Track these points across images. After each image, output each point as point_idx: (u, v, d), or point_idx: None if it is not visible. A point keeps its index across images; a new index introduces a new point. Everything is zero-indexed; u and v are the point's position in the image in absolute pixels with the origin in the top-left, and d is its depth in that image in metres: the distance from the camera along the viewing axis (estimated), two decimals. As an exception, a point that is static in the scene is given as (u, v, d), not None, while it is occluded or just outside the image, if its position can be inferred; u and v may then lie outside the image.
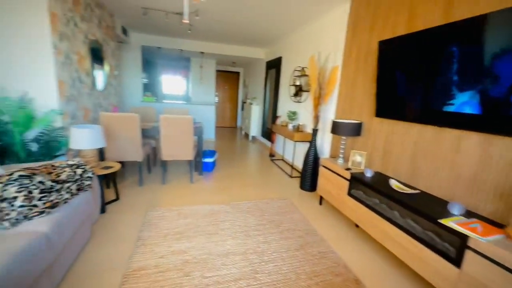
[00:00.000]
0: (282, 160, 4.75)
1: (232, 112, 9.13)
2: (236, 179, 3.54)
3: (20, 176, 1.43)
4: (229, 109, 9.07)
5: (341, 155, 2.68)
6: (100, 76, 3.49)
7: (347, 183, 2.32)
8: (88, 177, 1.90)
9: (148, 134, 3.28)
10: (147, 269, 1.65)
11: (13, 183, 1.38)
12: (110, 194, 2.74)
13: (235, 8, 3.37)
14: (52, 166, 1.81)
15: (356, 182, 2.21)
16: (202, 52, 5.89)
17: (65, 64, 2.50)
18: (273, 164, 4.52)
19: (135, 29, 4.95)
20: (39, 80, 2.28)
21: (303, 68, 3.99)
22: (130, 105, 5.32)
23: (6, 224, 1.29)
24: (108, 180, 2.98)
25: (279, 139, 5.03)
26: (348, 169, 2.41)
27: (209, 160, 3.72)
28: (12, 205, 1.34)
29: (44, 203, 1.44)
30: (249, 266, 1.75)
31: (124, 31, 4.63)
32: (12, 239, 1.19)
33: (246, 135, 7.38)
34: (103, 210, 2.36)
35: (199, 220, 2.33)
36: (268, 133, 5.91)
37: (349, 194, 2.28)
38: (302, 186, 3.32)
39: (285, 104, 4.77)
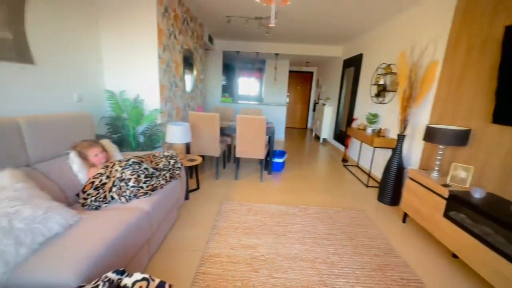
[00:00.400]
0: (357, 166, 4.35)
1: (302, 113, 8.98)
2: (304, 182, 3.46)
3: (133, 162, 1.78)
4: (300, 110, 8.95)
5: (436, 168, 2.24)
6: (189, 80, 4.02)
7: (443, 202, 1.91)
8: (178, 167, 2.20)
9: (225, 132, 3.56)
10: (220, 257, 1.79)
11: (129, 168, 1.73)
12: (192, 184, 3.12)
13: (318, 4, 3.27)
14: (153, 155, 2.19)
15: (458, 202, 1.80)
16: (276, 54, 6.01)
17: (165, 71, 2.98)
18: (346, 170, 4.20)
19: (219, 37, 5.47)
20: (147, 85, 2.79)
21: (389, 65, 3.54)
22: (211, 105, 5.92)
23: (123, 199, 1.63)
24: (191, 171, 3.40)
25: (354, 143, 4.63)
26: (446, 185, 1.99)
27: (278, 160, 3.76)
28: (127, 185, 1.68)
29: (147, 186, 1.75)
30: (317, 275, 1.67)
31: (210, 39, 5.17)
32: (126, 212, 1.49)
33: (317, 137, 7.13)
34: (187, 197, 2.70)
35: (267, 218, 2.38)
36: (341, 136, 5.54)
37: (446, 216, 1.88)
38: (381, 198, 2.95)
39: (364, 105, 4.35)
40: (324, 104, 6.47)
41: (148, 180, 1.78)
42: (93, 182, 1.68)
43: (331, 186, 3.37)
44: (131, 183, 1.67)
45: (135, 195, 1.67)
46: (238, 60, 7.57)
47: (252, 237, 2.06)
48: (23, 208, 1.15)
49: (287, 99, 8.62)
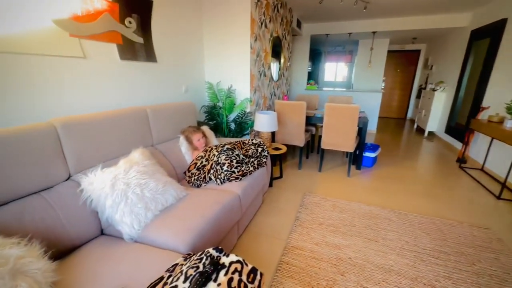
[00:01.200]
0: (481, 170, 3.36)
1: (401, 101, 7.64)
2: (401, 183, 2.94)
3: (227, 148, 1.93)
4: (398, 97, 7.64)
5: None
6: (276, 68, 4.02)
7: None
8: (265, 155, 2.26)
9: (310, 122, 3.41)
10: (303, 250, 1.76)
11: (223, 153, 1.89)
12: (275, 172, 3.19)
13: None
14: (243, 142, 2.32)
15: None
16: (374, 32, 5.22)
17: (256, 61, 3.07)
18: (464, 173, 3.31)
19: (307, 20, 5.20)
20: (239, 75, 2.96)
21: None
22: (295, 93, 5.82)
23: (218, 181, 1.81)
24: (275, 159, 3.46)
25: (479, 140, 3.58)
26: None
27: (370, 154, 3.34)
28: (222, 168, 1.84)
29: (238, 171, 1.88)
30: (420, 298, 1.39)
31: (298, 24, 4.98)
32: (221, 194, 1.64)
33: (420, 130, 5.94)
34: (271, 184, 2.78)
35: (355, 219, 2.16)
36: (457, 130, 4.39)
37: None
38: (523, 217, 2.17)
39: (503, 90, 3.24)
40: (434, 90, 5.25)
41: (239, 166, 1.90)
42: (195, 163, 1.93)
43: (439, 192, 2.74)
44: (225, 167, 1.83)
45: (228, 179, 1.82)
46: (326, 44, 7.05)
47: (338, 236, 1.92)
48: (150, 181, 1.43)
49: (383, 84, 7.49)
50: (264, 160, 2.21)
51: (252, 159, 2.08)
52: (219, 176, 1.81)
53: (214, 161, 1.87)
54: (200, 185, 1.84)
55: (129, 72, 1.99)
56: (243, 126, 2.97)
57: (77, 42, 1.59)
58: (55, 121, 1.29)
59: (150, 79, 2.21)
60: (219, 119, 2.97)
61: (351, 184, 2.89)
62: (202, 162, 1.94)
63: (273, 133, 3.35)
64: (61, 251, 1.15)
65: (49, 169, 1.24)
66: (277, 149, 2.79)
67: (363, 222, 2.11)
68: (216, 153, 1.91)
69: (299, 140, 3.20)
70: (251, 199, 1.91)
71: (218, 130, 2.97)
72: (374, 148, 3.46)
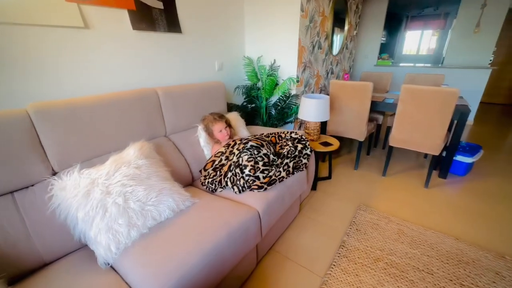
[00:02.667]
0: None
1: (517, 80, 5.56)
2: (519, 208, 1.97)
3: (251, 146, 1.46)
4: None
5: None
6: (337, 38, 3.19)
7: None
8: (306, 154, 1.71)
9: (376, 109, 2.60)
10: (345, 302, 1.23)
11: (246, 152, 1.44)
12: (323, 169, 2.59)
13: None
14: (279, 136, 1.81)
15: None
16: (491, -20, 3.65)
17: (308, 27, 2.39)
18: None
19: (388, -28, 3.98)
20: (284, 47, 2.35)
21: None
22: (360, 71, 4.77)
23: (235, 189, 1.38)
24: (324, 154, 2.84)
25: None
26: None
27: (465, 159, 2.36)
28: (243, 172, 1.40)
29: (264, 177, 1.41)
30: None
31: (374, -21, 3.85)
32: (233, 210, 1.22)
33: (546, 123, 4.19)
34: (314, 187, 2.23)
35: (434, 261, 1.46)
36: None
37: None
38: None
39: None
40: None
41: (266, 169, 1.43)
42: (213, 161, 1.55)
43: None
44: (246, 171, 1.38)
45: (248, 187, 1.38)
46: (411, 5, 5.50)
47: (402, 287, 1.30)
48: (139, 188, 1.11)
49: (491, 58, 5.53)
50: (304, 161, 1.67)
51: (286, 161, 1.57)
52: (238, 183, 1.39)
53: (233, 162, 1.45)
54: (215, 189, 1.45)
55: (145, 46, 1.66)
56: (285, 112, 2.42)
57: (76, 8, 1.31)
58: (30, 107, 1.05)
59: (173, 54, 1.86)
60: (258, 102, 2.49)
61: (429, 200, 2.08)
62: (221, 160, 1.54)
63: (323, 123, 2.69)
64: (24, 270, 0.94)
65: (23, 164, 1.02)
66: (326, 144, 2.17)
67: (447, 269, 1.40)
68: (237, 152, 1.47)
69: (359, 133, 2.47)
70: (278, 216, 1.44)
71: (256, 116, 2.51)
72: (472, 149, 2.45)
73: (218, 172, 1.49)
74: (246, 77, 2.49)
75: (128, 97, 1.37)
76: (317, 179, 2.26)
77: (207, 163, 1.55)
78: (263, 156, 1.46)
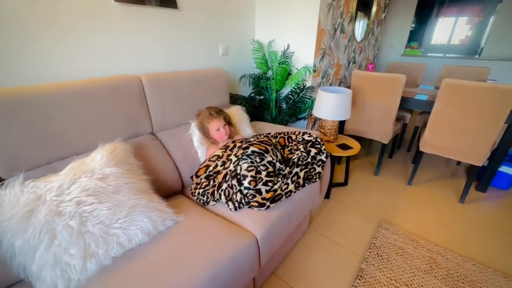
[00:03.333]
0: None
1: None
2: None
3: (253, 151, 1.18)
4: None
5: None
6: (360, 22, 2.77)
7: None
8: (321, 161, 1.41)
9: (405, 106, 2.22)
10: None
11: (246, 160, 1.15)
12: (338, 173, 2.27)
13: None
14: (289, 137, 1.51)
15: None
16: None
17: (330, 6, 2.00)
18: None
19: None
20: (301, 30, 1.99)
21: None
22: (387, 60, 4.29)
23: (230, 205, 1.11)
24: (340, 156, 2.50)
25: None
26: None
27: (510, 170, 1.98)
28: (241, 184, 1.13)
29: (268, 191, 1.13)
30: None
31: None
32: (225, 235, 0.95)
33: None
34: (327, 195, 1.93)
35: (479, 306, 1.15)
36: None
37: None
38: None
39: None
40: None
41: (271, 181, 1.15)
42: (207, 166, 1.28)
43: None
44: (245, 182, 1.11)
45: (247, 203, 1.10)
46: (448, -13, 4.84)
47: None
48: (102, 206, 0.85)
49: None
50: (318, 170, 1.38)
51: (296, 170, 1.27)
52: (234, 197, 1.11)
53: (230, 171, 1.17)
54: (207, 203, 1.19)
55: (130, 23, 1.37)
56: (298, 107, 2.10)
57: (37, -30, 1.03)
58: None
59: (166, 34, 1.56)
60: (267, 94, 2.17)
61: (466, 218, 1.74)
62: (216, 165, 1.27)
63: (341, 121, 2.34)
64: None
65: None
66: (345, 147, 1.85)
67: (496, 320, 1.09)
68: (235, 159, 1.19)
69: (384, 134, 2.12)
70: (282, 240, 1.17)
71: (264, 110, 2.20)
72: (521, 160, 2.05)
73: (212, 182, 1.22)
74: (254, 64, 2.16)
75: (102, 85, 1.10)
76: (331, 185, 1.96)
77: (200, 168, 1.29)
78: (267, 165, 1.18)
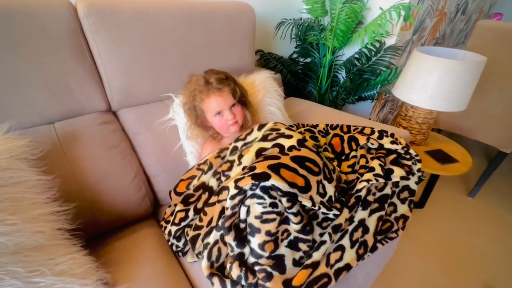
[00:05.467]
0: None
1: None
2: None
3: (273, 186, 0.53)
4: None
5: None
6: None
7: None
8: (408, 190, 0.73)
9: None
10: None
11: (261, 199, 0.53)
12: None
13: None
14: (352, 138, 0.82)
15: None
16: None
17: None
18: None
19: None
20: None
21: None
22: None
23: (216, 284, 0.54)
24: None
25: None
26: None
27: None
28: (245, 243, 0.54)
29: (297, 263, 0.54)
30: None
31: None
32: None
33: None
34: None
35: None
36: None
37: None
38: None
39: None
40: None
41: (306, 241, 0.54)
42: (192, 178, 0.69)
43: None
44: (254, 243, 0.52)
45: (255, 286, 0.51)
46: None
47: None
48: None
49: None
50: (404, 211, 0.71)
51: (361, 215, 0.63)
52: (227, 269, 0.54)
53: (227, 208, 0.56)
54: (184, 253, 0.64)
55: None
56: (364, 79, 1.32)
57: None
58: None
59: None
60: (317, 55, 1.41)
61: None
62: (207, 183, 0.67)
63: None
64: None
65: None
66: (442, 157, 1.08)
67: None
68: (232, 186, 0.56)
69: (509, 138, 1.25)
70: None
71: (310, 80, 1.47)
72: None
73: (192, 211, 0.64)
74: (304, 5, 1.37)
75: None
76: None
77: (182, 181, 0.70)
78: (302, 211, 0.55)
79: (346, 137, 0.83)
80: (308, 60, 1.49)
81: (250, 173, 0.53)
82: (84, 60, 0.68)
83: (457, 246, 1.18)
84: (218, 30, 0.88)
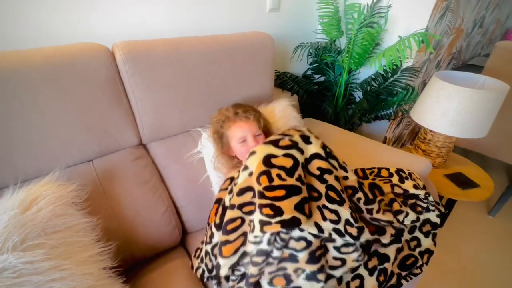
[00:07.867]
0: None
1: None
2: None
3: (295, 249, 0.55)
4: None
5: None
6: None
7: None
8: (429, 223, 0.75)
9: None
10: None
11: (259, 261, 0.56)
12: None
13: None
14: (375, 186, 0.83)
15: None
16: None
17: None
18: None
19: None
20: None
21: None
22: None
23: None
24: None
25: None
26: None
27: None
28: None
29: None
30: None
31: None
32: None
33: None
34: (408, 243, 1.24)
35: None
36: None
37: None
38: None
39: None
40: None
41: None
42: (219, 202, 0.71)
43: None
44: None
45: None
46: None
47: None
48: None
49: None
50: (428, 245, 0.74)
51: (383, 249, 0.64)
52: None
53: (256, 269, 0.57)
54: (217, 280, 0.67)
55: None
56: (383, 100, 1.33)
57: None
58: None
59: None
60: (332, 75, 1.43)
61: None
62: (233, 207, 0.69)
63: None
64: None
65: None
66: (463, 181, 1.07)
67: None
68: (255, 233, 0.57)
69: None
70: None
71: (326, 99, 1.49)
72: None
73: (225, 232, 0.65)
74: (319, 26, 1.39)
75: (35, 66, 0.58)
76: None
77: (211, 211, 0.73)
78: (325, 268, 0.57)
79: (366, 183, 0.80)
80: (322, 78, 1.51)
81: (278, 219, 0.52)
82: (120, 102, 0.72)
83: (477, 268, 1.17)
84: (241, 62, 0.92)
